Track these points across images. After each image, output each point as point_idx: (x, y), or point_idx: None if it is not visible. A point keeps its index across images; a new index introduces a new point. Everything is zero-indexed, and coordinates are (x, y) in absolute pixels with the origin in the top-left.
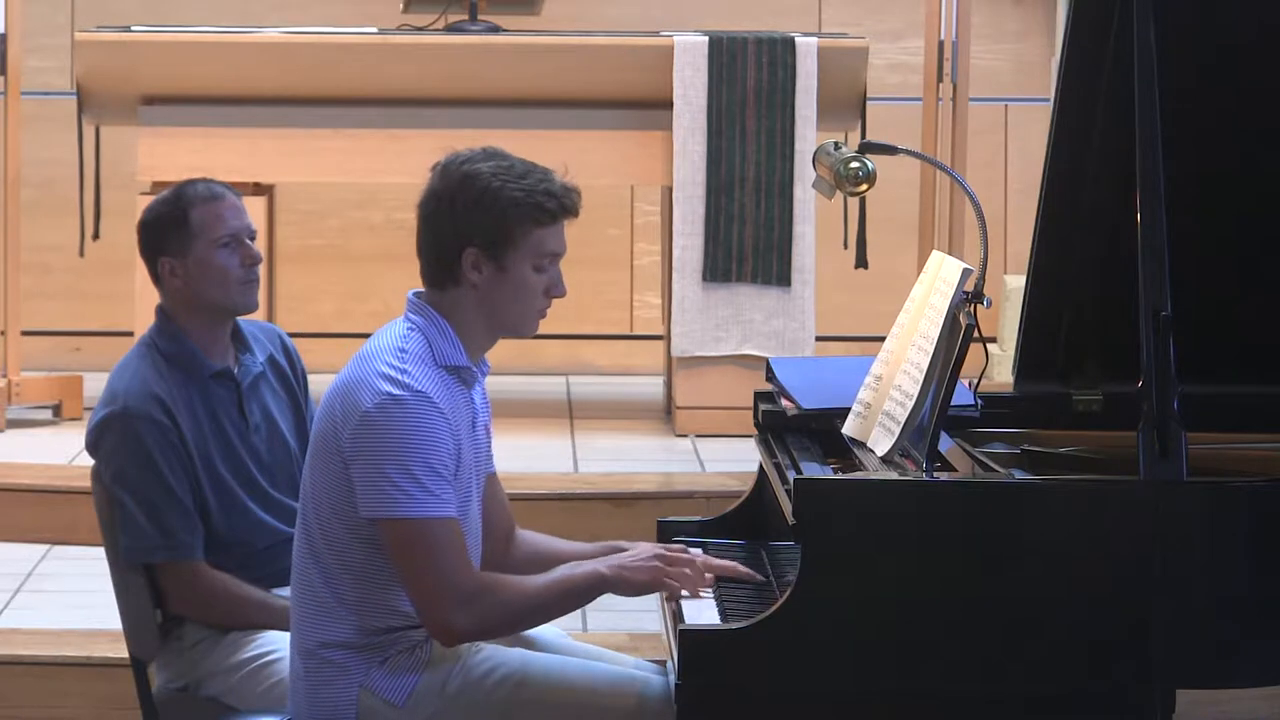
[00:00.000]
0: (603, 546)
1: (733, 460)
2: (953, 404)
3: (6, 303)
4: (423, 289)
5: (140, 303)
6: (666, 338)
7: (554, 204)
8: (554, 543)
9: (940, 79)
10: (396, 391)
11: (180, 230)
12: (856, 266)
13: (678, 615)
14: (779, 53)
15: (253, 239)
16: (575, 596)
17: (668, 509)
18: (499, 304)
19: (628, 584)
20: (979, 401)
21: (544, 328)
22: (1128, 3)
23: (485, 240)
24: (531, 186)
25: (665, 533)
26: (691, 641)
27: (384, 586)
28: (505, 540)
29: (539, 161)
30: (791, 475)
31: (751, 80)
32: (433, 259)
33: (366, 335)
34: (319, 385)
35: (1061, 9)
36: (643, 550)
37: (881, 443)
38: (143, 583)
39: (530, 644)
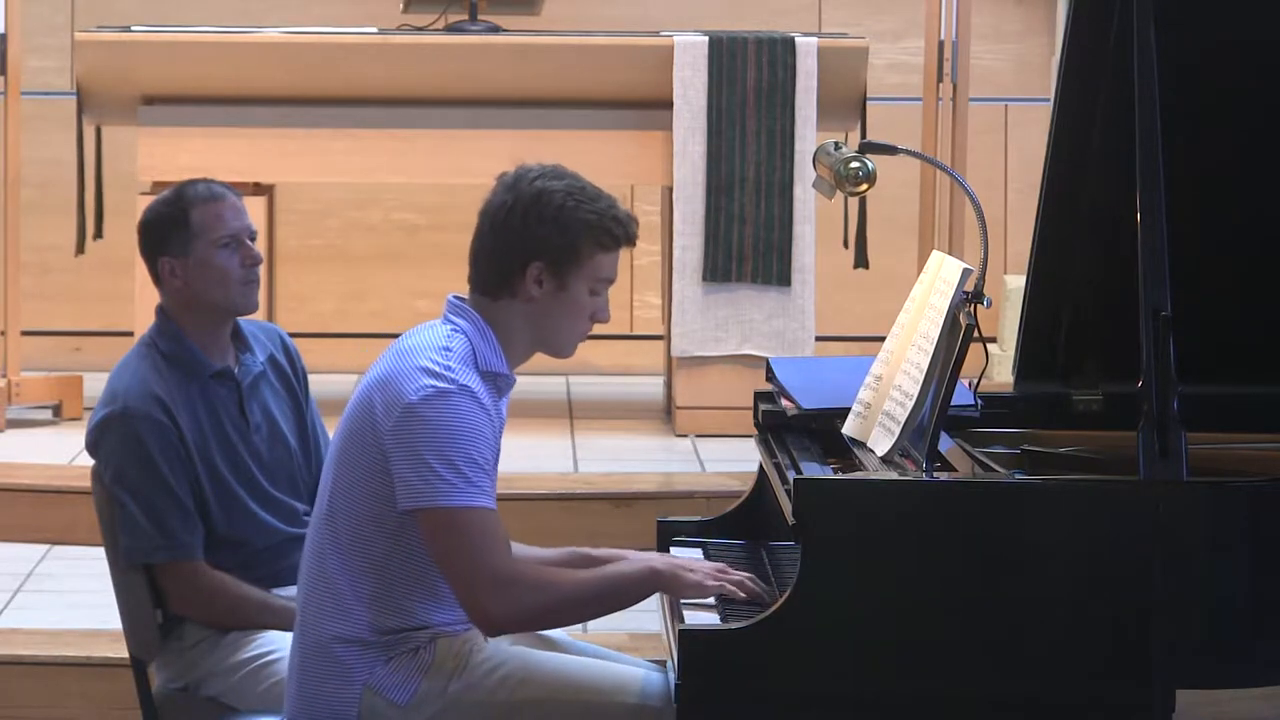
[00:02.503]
0: (564, 554)
1: (733, 460)
2: (953, 404)
3: (6, 303)
4: (465, 294)
5: (140, 303)
6: (666, 338)
7: (620, 230)
8: (543, 555)
9: (940, 79)
10: (441, 385)
11: (181, 230)
12: (856, 266)
13: (678, 615)
14: (779, 53)
15: (253, 239)
16: (625, 591)
17: (668, 509)
18: (550, 321)
19: (681, 582)
20: (979, 401)
21: None
22: (1128, 3)
23: (552, 257)
24: (603, 211)
25: (665, 533)
26: (691, 641)
27: (403, 587)
28: None
29: (538, 161)
30: (791, 475)
31: (751, 80)
32: (493, 268)
33: (366, 335)
34: (319, 385)
35: (1061, 9)
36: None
37: (881, 443)
38: (143, 583)
39: (532, 643)
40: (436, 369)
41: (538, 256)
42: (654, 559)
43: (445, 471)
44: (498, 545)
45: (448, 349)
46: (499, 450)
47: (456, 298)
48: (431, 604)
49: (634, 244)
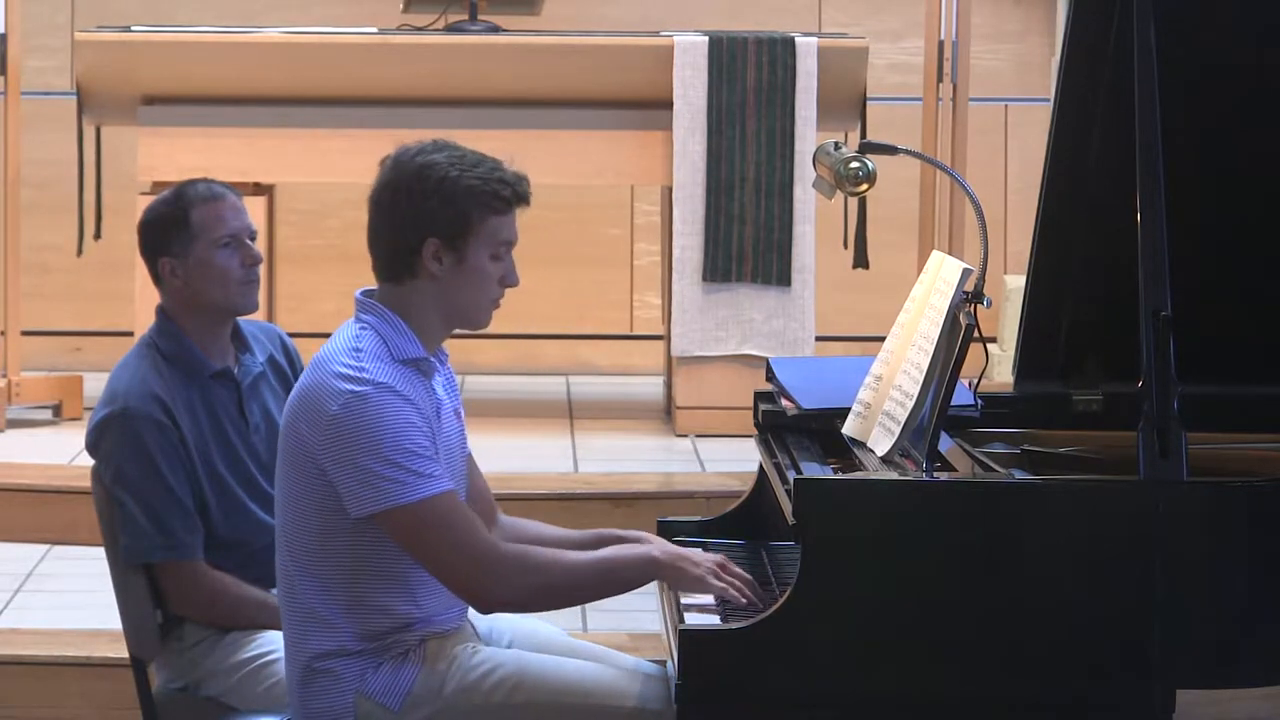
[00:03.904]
0: (591, 535)
1: (733, 460)
2: (953, 404)
3: (6, 303)
4: (372, 287)
5: (140, 303)
6: (666, 338)
7: (509, 191)
8: (539, 528)
9: (940, 79)
10: (358, 388)
11: (181, 230)
12: (856, 266)
13: (678, 615)
14: (779, 53)
15: (253, 239)
16: (621, 576)
17: (668, 509)
18: (457, 294)
19: (681, 574)
20: (979, 401)
21: (544, 328)
22: (1128, 3)
23: (445, 230)
24: (486, 175)
25: (665, 533)
26: (691, 641)
27: (375, 588)
28: (487, 524)
29: (540, 160)
30: (791, 475)
31: (751, 80)
32: (390, 252)
33: None
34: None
35: (1061, 9)
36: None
37: (881, 443)
38: (143, 583)
39: (529, 644)
40: (350, 373)
41: (431, 233)
42: (653, 549)
43: (389, 471)
44: (469, 524)
45: (358, 349)
46: (459, 427)
47: (364, 293)
48: (406, 597)
49: (528, 203)
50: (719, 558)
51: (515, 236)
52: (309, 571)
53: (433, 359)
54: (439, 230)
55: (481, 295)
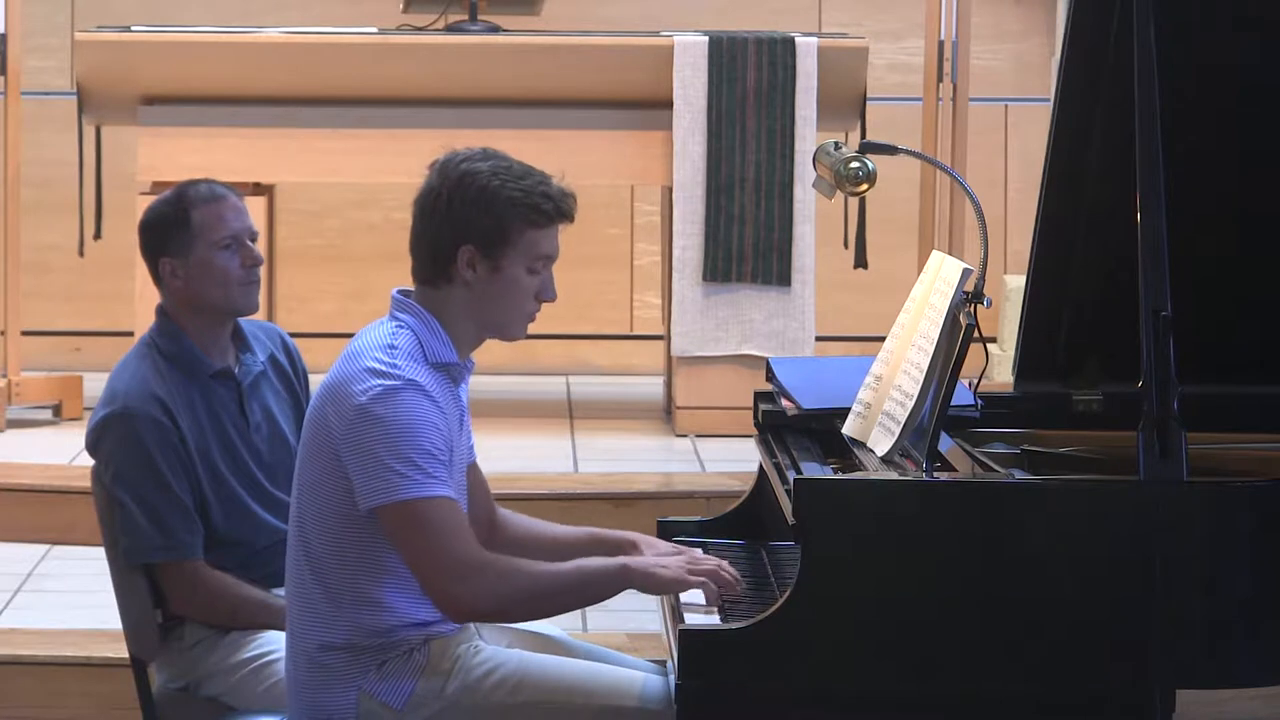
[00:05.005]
0: (585, 533)
1: (733, 460)
2: (953, 404)
3: (6, 303)
4: (409, 286)
5: (140, 303)
6: (666, 338)
7: (550, 206)
8: (537, 524)
9: (940, 79)
10: (389, 383)
11: (181, 231)
12: (856, 266)
13: (678, 615)
14: (779, 53)
15: (254, 240)
16: (596, 586)
17: (668, 509)
18: (490, 303)
19: (653, 579)
20: (979, 401)
21: (544, 328)
22: (1128, 3)
23: (481, 239)
24: (530, 188)
25: (665, 533)
26: (691, 641)
27: (382, 584)
28: (487, 525)
29: (539, 160)
30: (791, 475)
31: (751, 80)
32: (427, 255)
33: None
34: (319, 385)
35: (1061, 9)
36: (660, 546)
37: (881, 443)
38: (143, 583)
39: (530, 644)
40: (382, 368)
41: (467, 239)
42: (625, 558)
43: (400, 466)
44: (460, 532)
45: (393, 347)
46: (469, 436)
47: (400, 292)
48: (414, 597)
49: (571, 219)
50: (690, 556)
51: (555, 252)
52: (320, 563)
53: (463, 365)
54: (475, 238)
55: (515, 307)
